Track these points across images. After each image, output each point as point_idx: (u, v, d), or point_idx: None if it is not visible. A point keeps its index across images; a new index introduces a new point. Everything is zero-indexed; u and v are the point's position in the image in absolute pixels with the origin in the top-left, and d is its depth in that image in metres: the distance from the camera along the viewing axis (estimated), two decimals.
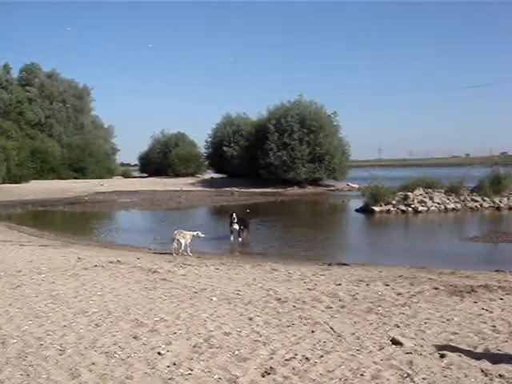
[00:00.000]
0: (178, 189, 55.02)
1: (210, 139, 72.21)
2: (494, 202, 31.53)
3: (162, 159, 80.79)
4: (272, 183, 53.47)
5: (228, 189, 54.07)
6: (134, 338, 7.26)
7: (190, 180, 66.20)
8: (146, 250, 18.04)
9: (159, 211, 36.78)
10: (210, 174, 74.64)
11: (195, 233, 16.52)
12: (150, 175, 79.94)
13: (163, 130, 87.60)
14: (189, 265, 13.65)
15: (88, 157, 71.85)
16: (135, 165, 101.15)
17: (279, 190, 51.88)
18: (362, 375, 5.91)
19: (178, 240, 16.07)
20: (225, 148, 64.83)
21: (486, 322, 7.92)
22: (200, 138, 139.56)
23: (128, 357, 6.52)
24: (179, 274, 12.30)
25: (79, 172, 69.94)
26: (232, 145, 64.57)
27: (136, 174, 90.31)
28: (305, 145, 54.76)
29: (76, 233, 23.78)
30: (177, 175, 73.29)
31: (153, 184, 60.97)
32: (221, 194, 49.16)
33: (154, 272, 12.31)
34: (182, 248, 16.02)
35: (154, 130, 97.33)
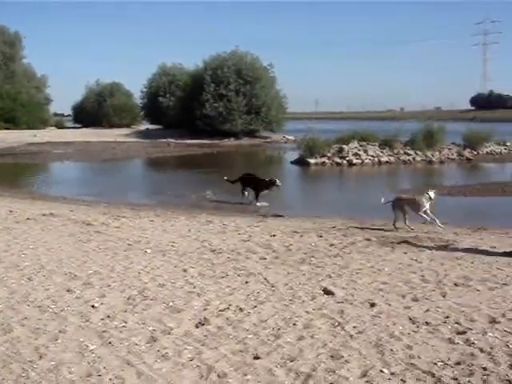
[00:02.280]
0: (112, 140, 53.97)
1: (145, 89, 70.96)
2: (426, 156, 32.25)
3: (96, 110, 78.79)
4: (208, 135, 53.07)
5: (164, 140, 53.36)
6: (68, 291, 7.18)
7: (125, 131, 64.90)
8: (80, 202, 17.75)
9: (93, 163, 36.12)
10: (145, 125, 73.42)
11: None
12: (84, 126, 77.73)
13: (98, 80, 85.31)
14: (123, 217, 13.52)
15: (20, 107, 69.14)
16: (69, 115, 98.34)
17: (215, 142, 51.59)
18: (294, 324, 6.00)
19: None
20: (160, 99, 63.91)
21: (415, 272, 8.14)
22: (136, 88, 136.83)
23: (61, 310, 6.44)
24: (113, 226, 12.18)
25: (10, 122, 67.11)
26: (168, 95, 63.71)
27: (70, 124, 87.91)
28: (241, 96, 54.49)
29: (7, 185, 23.13)
30: (111, 126, 71.73)
31: (87, 135, 59.56)
32: (156, 146, 48.47)
33: (88, 224, 12.16)
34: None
35: (88, 79, 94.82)
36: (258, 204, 17.03)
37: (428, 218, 11.97)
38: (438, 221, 11.94)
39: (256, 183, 17.79)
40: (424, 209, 11.93)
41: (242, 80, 54.71)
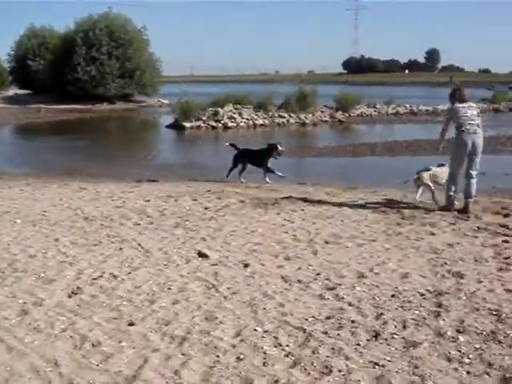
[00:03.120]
0: None
1: (12, 52, 67.40)
2: (299, 118, 32.85)
3: None
4: (81, 99, 51.31)
5: (34, 106, 51.04)
6: None
7: None
8: None
9: None
10: (14, 90, 69.86)
11: None
12: None
13: None
14: None
15: None
16: None
17: (88, 107, 49.99)
18: (169, 289, 5.99)
19: None
20: (30, 62, 60.96)
21: (287, 232, 8.33)
22: (2, 51, 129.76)
23: None
24: None
25: None
26: (37, 59, 60.83)
27: None
28: (114, 59, 53.06)
29: None
30: None
31: None
32: (27, 112, 46.01)
33: None
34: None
35: None
36: (269, 180, 13.46)
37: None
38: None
39: (254, 157, 14.18)
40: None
41: (115, 43, 53.21)
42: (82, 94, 51.84)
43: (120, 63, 53.55)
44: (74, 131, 30.89)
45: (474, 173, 9.73)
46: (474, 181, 9.75)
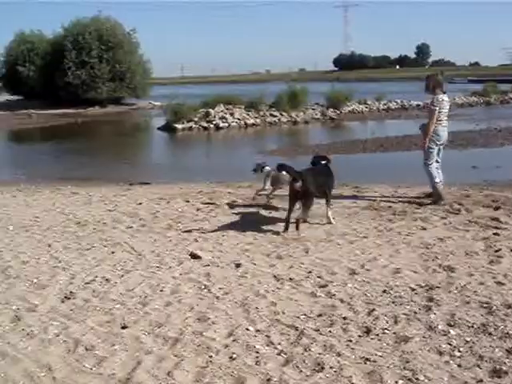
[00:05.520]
0: None
1: (2, 59, 67.15)
2: (291, 117, 32.82)
3: None
4: (72, 104, 51.07)
5: (25, 111, 50.87)
6: None
7: None
8: None
9: None
10: (4, 97, 69.62)
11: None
12: None
13: None
14: None
15: None
16: None
17: (80, 111, 49.82)
18: (161, 291, 6.01)
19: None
20: (20, 68, 60.70)
21: (279, 231, 8.35)
22: None
23: None
24: None
25: None
26: (27, 64, 60.60)
27: None
28: (104, 63, 52.94)
29: None
30: None
31: None
32: (18, 117, 45.86)
33: None
34: None
35: None
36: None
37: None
38: None
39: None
40: None
41: (105, 46, 53.08)
42: (73, 99, 51.69)
43: (110, 66, 53.43)
44: (66, 136, 30.81)
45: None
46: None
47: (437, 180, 9.93)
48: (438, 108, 9.91)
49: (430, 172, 9.99)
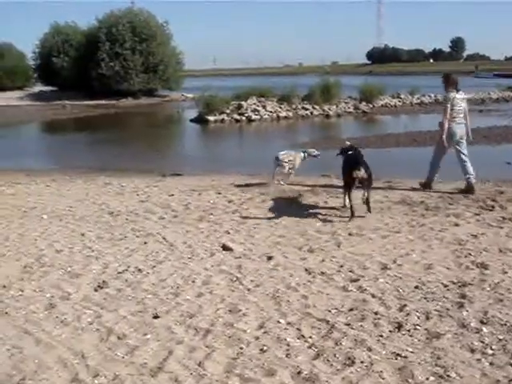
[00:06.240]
0: (4, 104, 51.19)
1: (37, 50, 67.79)
2: (323, 110, 32.64)
3: None
4: (105, 95, 51.60)
5: (59, 102, 51.43)
6: None
7: (18, 94, 61.87)
8: None
9: None
10: (39, 87, 70.31)
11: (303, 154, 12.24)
12: None
13: None
14: (18, 183, 13.06)
15: None
16: None
17: (113, 102, 50.30)
18: (193, 282, 6.06)
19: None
20: (54, 59, 61.28)
21: (310, 224, 8.34)
22: (28, 48, 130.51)
23: None
24: (8, 193, 11.80)
25: None
26: (62, 56, 61.16)
27: None
28: (137, 54, 53.31)
29: None
30: (3, 89, 68.19)
31: None
32: (52, 108, 46.36)
33: None
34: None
35: None
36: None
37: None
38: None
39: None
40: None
41: (138, 38, 53.43)
42: (106, 90, 52.15)
43: (143, 58, 53.80)
44: (99, 127, 31.14)
45: None
46: None
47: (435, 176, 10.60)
48: (449, 105, 10.28)
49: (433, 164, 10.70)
